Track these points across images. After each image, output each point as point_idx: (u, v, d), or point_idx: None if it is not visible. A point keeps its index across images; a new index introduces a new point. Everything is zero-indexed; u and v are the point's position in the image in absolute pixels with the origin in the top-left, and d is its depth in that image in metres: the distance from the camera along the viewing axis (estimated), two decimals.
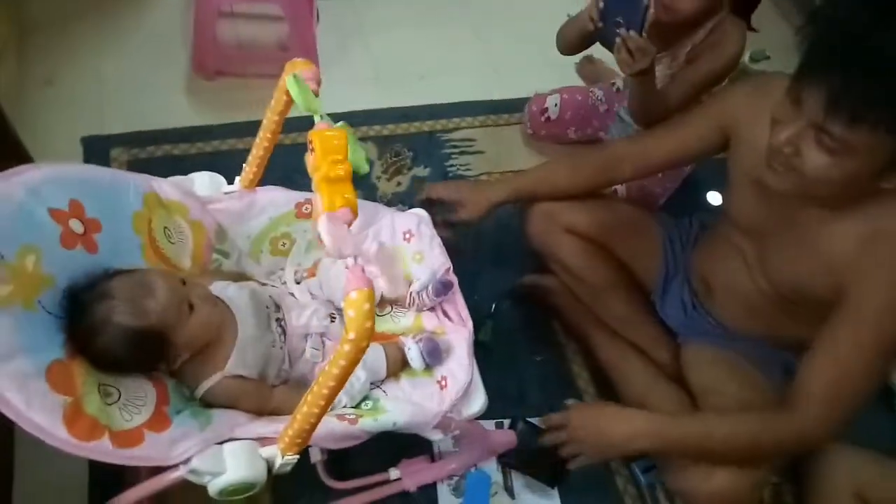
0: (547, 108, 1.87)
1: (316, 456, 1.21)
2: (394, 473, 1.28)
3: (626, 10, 1.33)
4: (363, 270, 0.73)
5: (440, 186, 1.45)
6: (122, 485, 0.95)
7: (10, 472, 1.17)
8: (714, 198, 1.80)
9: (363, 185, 1.77)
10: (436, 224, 1.30)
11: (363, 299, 0.69)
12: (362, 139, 1.87)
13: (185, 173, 1.16)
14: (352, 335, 0.70)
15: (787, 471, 1.44)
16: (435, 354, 1.14)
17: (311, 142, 0.77)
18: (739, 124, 1.17)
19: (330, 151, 0.75)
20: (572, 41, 1.62)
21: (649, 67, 1.39)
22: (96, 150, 1.66)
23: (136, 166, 1.66)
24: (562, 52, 1.73)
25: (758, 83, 1.19)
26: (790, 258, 1.12)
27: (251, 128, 1.76)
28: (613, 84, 1.88)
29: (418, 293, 1.20)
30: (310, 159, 0.76)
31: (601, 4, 1.38)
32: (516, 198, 1.41)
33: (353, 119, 1.90)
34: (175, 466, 0.85)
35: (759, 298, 1.21)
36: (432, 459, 1.32)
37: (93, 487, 1.17)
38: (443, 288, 1.18)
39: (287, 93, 0.96)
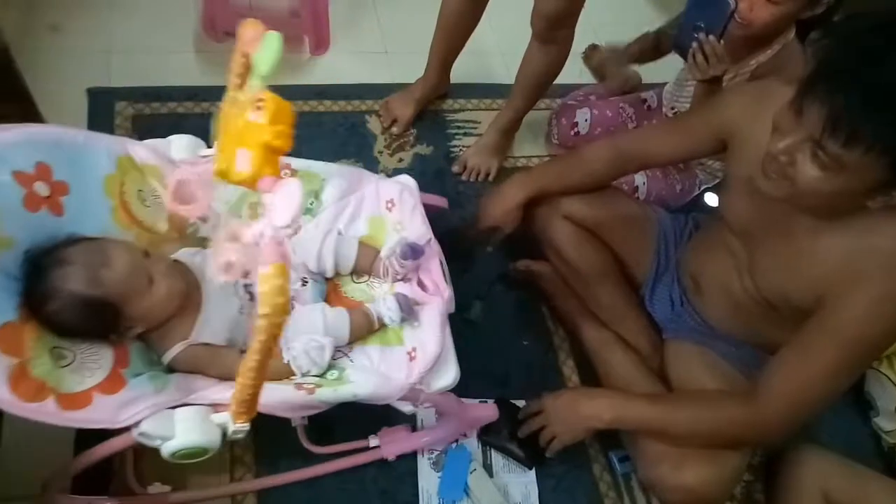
0: (577, 123, 1.87)
1: (296, 420, 1.23)
2: (373, 441, 1.29)
3: (708, 15, 1.33)
4: (280, 244, 0.70)
5: (481, 224, 1.43)
6: (109, 434, 0.96)
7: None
8: (711, 199, 1.82)
9: (365, 159, 1.77)
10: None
11: (275, 274, 0.66)
12: (368, 112, 1.86)
13: (189, 132, 1.16)
14: (265, 310, 0.67)
15: (759, 469, 1.48)
16: (407, 305, 1.13)
17: (260, 100, 0.73)
18: (737, 130, 1.18)
19: (281, 120, 0.72)
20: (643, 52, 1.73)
21: (720, 76, 1.40)
22: (101, 102, 1.66)
23: (139, 122, 1.65)
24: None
25: (758, 89, 1.20)
26: (778, 265, 1.13)
27: None
28: (644, 101, 1.88)
29: (388, 258, 1.18)
30: (232, 113, 0.73)
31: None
32: (536, 197, 1.41)
33: (360, 91, 1.92)
34: (127, 429, 0.87)
35: (745, 300, 1.23)
36: (413, 430, 1.34)
37: (79, 437, 1.16)
38: (410, 251, 1.14)
39: (244, 54, 0.94)
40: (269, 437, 1.26)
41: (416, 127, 1.87)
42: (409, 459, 1.33)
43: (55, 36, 1.76)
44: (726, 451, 1.18)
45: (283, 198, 0.71)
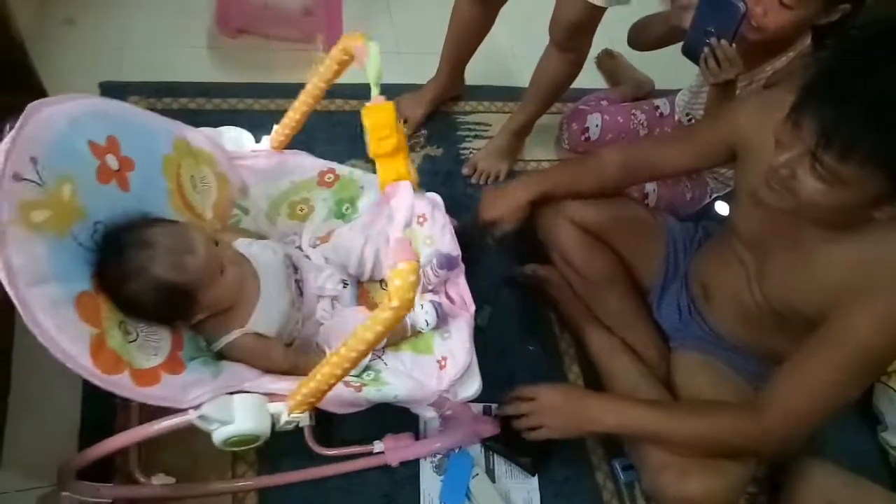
0: (588, 129, 1.86)
1: (305, 420, 1.23)
2: (378, 446, 1.29)
3: (719, 19, 1.33)
4: (410, 244, 0.74)
5: (482, 216, 1.42)
6: (112, 429, 0.97)
7: (4, 414, 1.18)
8: (722, 208, 1.81)
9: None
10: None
11: (409, 271, 0.71)
12: None
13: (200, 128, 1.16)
14: (395, 303, 0.71)
15: (763, 482, 1.47)
16: (443, 312, 1.16)
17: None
18: (745, 140, 1.18)
19: (376, 128, 0.76)
20: (655, 40, 1.68)
21: (733, 80, 1.39)
22: (113, 96, 1.62)
23: None
24: (634, 47, 1.81)
25: (768, 99, 1.19)
26: (787, 275, 1.13)
27: (269, 89, 1.80)
28: (657, 108, 1.87)
29: (423, 268, 1.21)
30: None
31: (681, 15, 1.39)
32: (543, 198, 1.41)
33: (371, 91, 1.91)
34: (184, 411, 0.87)
35: (754, 310, 1.22)
36: (417, 437, 1.34)
37: (84, 430, 1.18)
38: (446, 261, 1.17)
39: (340, 62, 0.97)
40: (271, 437, 1.26)
41: (426, 128, 1.87)
42: (412, 463, 1.32)
43: (70, 30, 1.77)
44: (730, 462, 1.17)
45: (400, 200, 0.77)
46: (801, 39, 1.44)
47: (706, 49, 1.36)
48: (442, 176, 1.79)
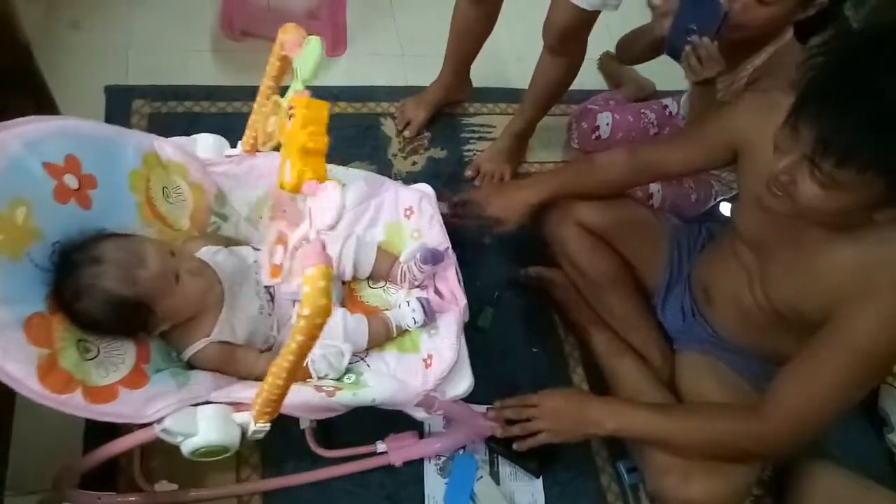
0: (598, 127, 1.86)
1: (305, 423, 1.23)
2: (380, 447, 1.29)
3: (701, 17, 1.33)
4: (323, 247, 0.71)
5: (475, 204, 1.43)
6: (116, 432, 0.97)
7: (10, 418, 1.18)
8: (725, 209, 1.80)
9: (379, 161, 1.77)
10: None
11: (319, 276, 0.67)
12: (383, 115, 1.87)
13: (204, 131, 1.16)
14: (306, 311, 0.68)
15: (768, 484, 1.46)
16: (430, 309, 1.14)
17: (291, 108, 0.75)
18: (747, 142, 1.18)
19: (311, 122, 0.73)
20: (641, 52, 1.69)
21: (714, 78, 1.39)
22: (119, 100, 1.67)
23: (156, 120, 1.66)
24: (621, 61, 1.85)
25: (767, 101, 1.18)
26: (790, 277, 1.12)
27: None
28: (666, 107, 1.87)
29: (407, 264, 1.19)
30: (281, 124, 0.74)
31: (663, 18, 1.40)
32: (550, 200, 1.41)
33: (375, 94, 1.92)
34: (149, 425, 0.87)
35: (756, 312, 1.22)
36: (420, 436, 1.34)
37: (88, 434, 1.18)
38: (431, 256, 1.15)
39: (281, 58, 0.94)
40: (275, 439, 1.26)
41: (430, 130, 1.87)
42: (416, 465, 1.32)
43: (75, 33, 1.77)
44: (735, 465, 1.17)
45: (324, 201, 0.72)
46: (780, 36, 1.43)
47: (688, 47, 1.36)
48: (445, 178, 1.79)
